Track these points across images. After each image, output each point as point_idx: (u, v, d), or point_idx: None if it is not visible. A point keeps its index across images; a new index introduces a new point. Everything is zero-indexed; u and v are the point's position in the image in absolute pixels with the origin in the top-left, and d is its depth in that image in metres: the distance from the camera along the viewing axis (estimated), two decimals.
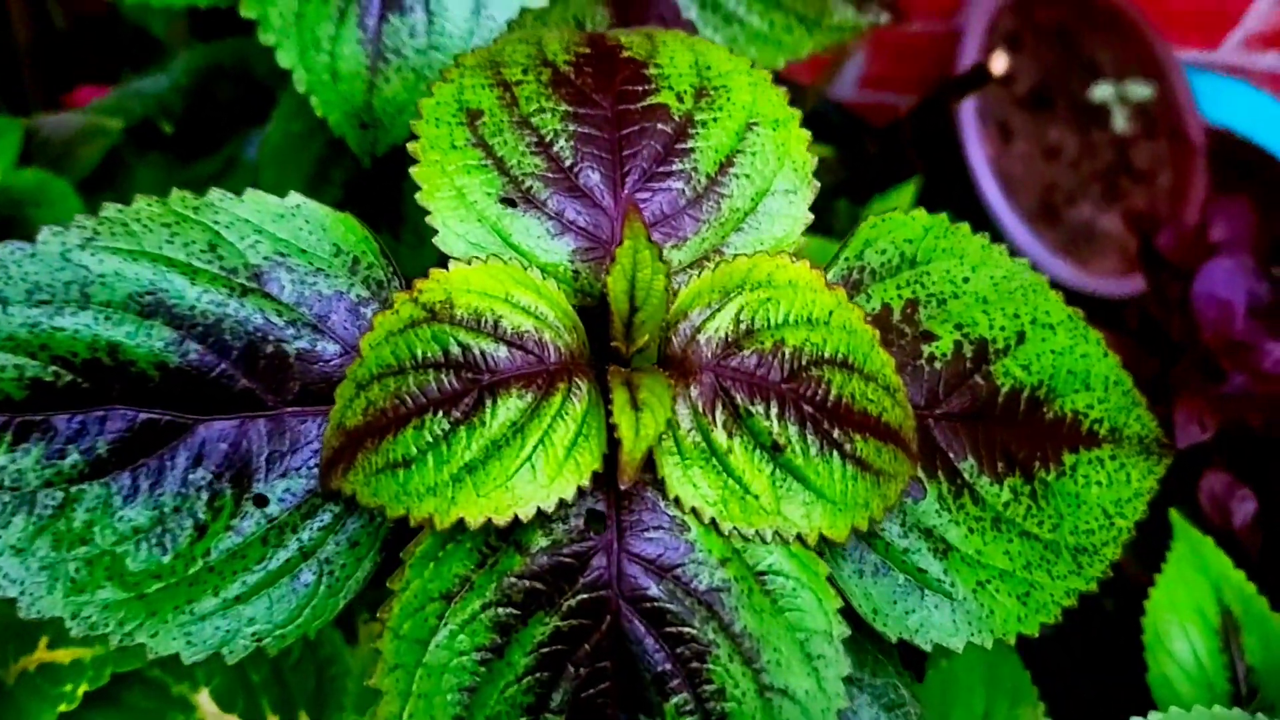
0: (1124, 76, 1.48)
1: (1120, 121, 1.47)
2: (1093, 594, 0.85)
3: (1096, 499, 0.47)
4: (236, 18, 0.51)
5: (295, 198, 0.40)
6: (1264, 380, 0.82)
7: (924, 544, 0.43)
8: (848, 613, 0.46)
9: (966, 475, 0.44)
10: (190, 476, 0.38)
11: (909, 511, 0.43)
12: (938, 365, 0.45)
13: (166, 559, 0.38)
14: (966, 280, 0.46)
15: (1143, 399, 0.50)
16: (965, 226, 0.47)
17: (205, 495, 0.38)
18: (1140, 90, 1.47)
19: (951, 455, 0.44)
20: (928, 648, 0.42)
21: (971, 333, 0.45)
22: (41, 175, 0.58)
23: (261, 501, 0.39)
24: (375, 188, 0.56)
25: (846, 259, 0.44)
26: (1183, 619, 0.65)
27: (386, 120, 0.48)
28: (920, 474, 0.43)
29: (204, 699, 0.46)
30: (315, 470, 0.39)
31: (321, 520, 0.39)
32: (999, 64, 0.77)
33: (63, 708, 0.41)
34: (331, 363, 0.39)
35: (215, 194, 0.39)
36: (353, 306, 0.40)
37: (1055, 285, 0.50)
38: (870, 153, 1.14)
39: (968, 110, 1.36)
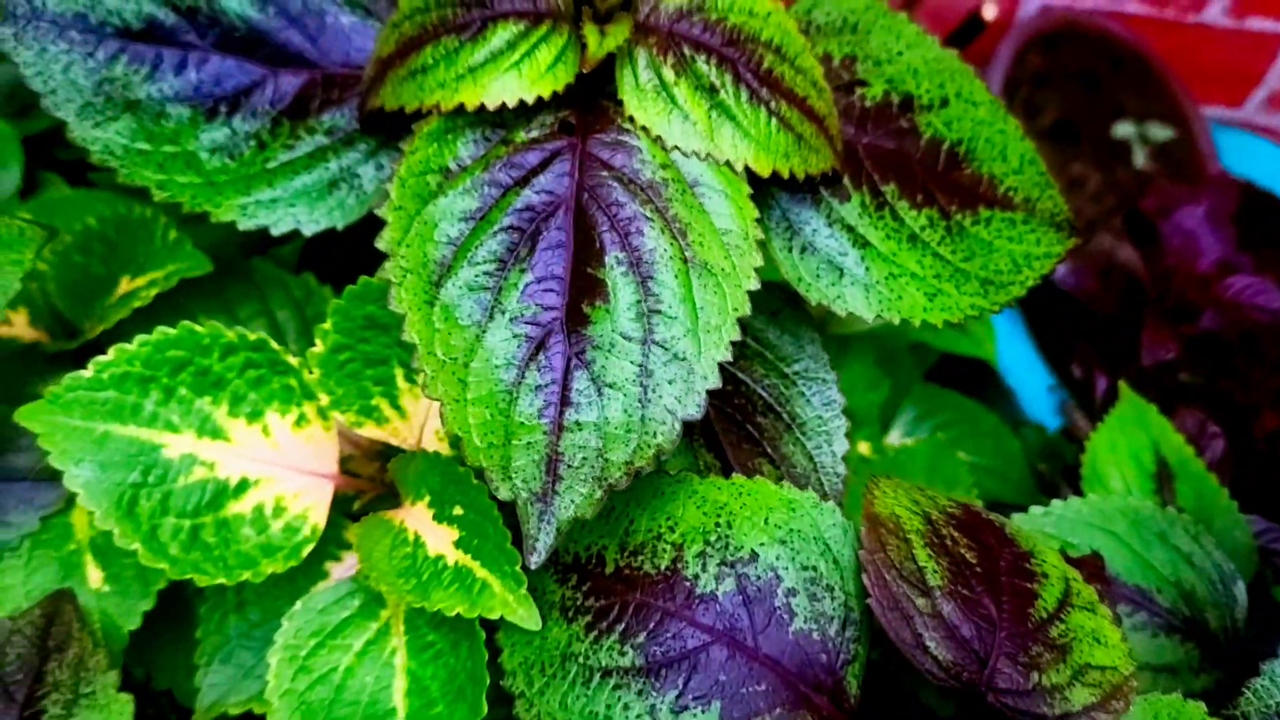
0: (1146, 119, 1.57)
1: (1140, 159, 1.56)
2: (1051, 484, 0.91)
3: (1007, 249, 0.55)
4: None
5: None
6: (1228, 310, 0.89)
7: (846, 236, 0.52)
8: (787, 312, 0.55)
9: (888, 196, 0.53)
10: (259, 109, 0.49)
11: (834, 209, 0.52)
12: (868, 105, 0.54)
13: (233, 163, 0.48)
14: (901, 54, 0.56)
15: (1056, 184, 0.59)
16: (904, 15, 0.57)
17: (269, 124, 0.49)
18: (1161, 132, 1.56)
19: (876, 177, 0.53)
20: (843, 313, 0.51)
21: (900, 87, 0.55)
22: None
23: (312, 131, 0.49)
24: None
25: (795, 12, 0.54)
26: (1120, 463, 0.72)
27: None
28: (847, 184, 0.53)
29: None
30: (355, 114, 0.50)
31: (358, 149, 0.49)
32: (989, 10, 0.87)
33: (137, 304, 0.51)
34: (375, 36, 0.50)
35: None
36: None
37: None
38: None
39: None
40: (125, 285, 0.54)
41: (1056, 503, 0.64)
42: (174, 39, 0.49)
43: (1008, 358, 1.15)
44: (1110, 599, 0.55)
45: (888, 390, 0.92)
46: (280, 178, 0.48)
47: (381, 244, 0.43)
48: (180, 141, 0.48)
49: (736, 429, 0.53)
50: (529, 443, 0.42)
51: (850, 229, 0.52)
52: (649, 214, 0.45)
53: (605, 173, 0.45)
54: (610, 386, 0.43)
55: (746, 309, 0.44)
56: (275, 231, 0.47)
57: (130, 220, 0.55)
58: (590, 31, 0.45)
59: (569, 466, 0.42)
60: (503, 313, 0.43)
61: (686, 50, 0.46)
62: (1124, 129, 1.55)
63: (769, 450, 0.53)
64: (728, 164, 0.46)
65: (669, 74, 0.46)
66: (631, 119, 0.46)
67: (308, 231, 0.48)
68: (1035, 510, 0.64)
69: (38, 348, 0.54)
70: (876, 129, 0.54)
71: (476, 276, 0.44)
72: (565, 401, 0.43)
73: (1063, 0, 1.56)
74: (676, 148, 0.46)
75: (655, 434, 0.43)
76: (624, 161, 0.46)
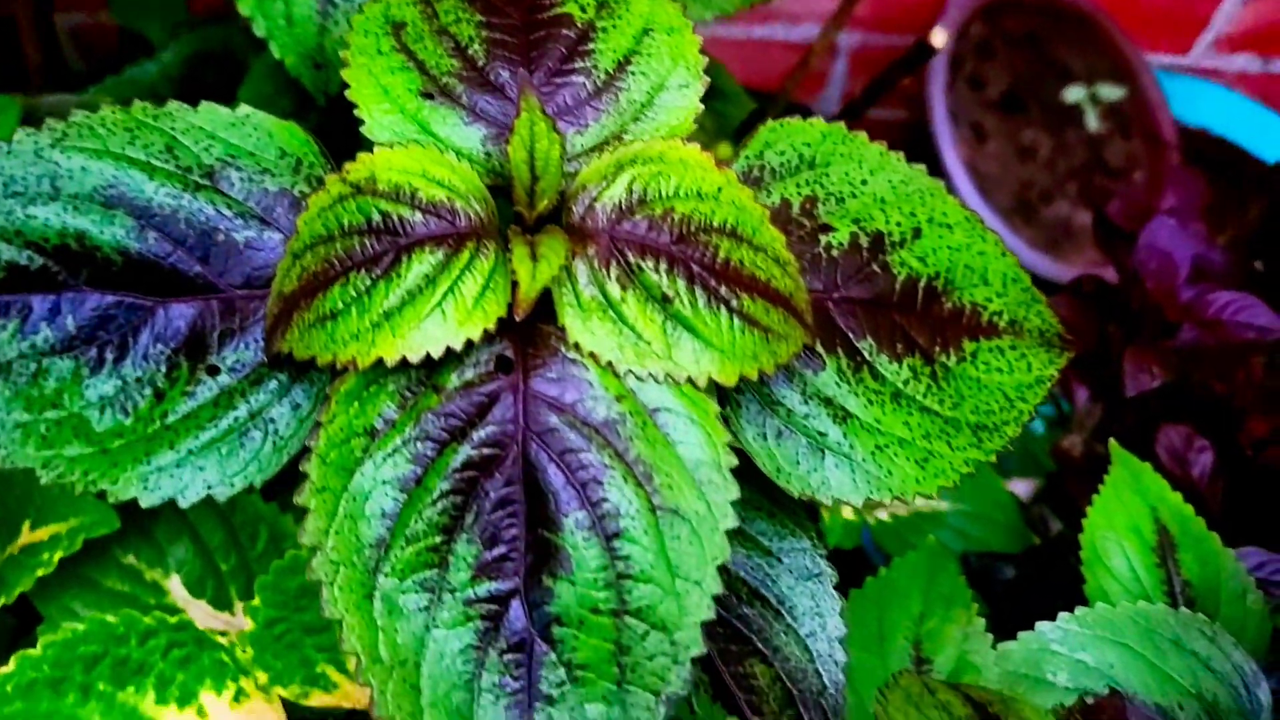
0: (1095, 80, 1.52)
1: (1093, 121, 1.51)
2: (1039, 521, 0.88)
3: (997, 383, 0.51)
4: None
5: (245, 108, 0.45)
6: (1210, 329, 0.85)
7: (824, 411, 0.47)
8: (758, 480, 0.50)
9: (866, 353, 0.48)
10: (150, 351, 0.43)
11: (809, 382, 0.47)
12: (835, 254, 0.49)
13: (128, 421, 0.42)
14: (865, 183, 0.50)
15: (1042, 297, 0.54)
16: (863, 135, 0.51)
17: (164, 367, 0.43)
18: (1111, 91, 1.51)
19: (850, 335, 0.48)
20: (828, 502, 0.46)
21: (868, 226, 0.49)
22: None
23: (214, 371, 0.43)
24: (337, 142, 0.61)
25: (747, 157, 0.49)
26: (1120, 536, 0.68)
27: (337, 61, 0.53)
28: (820, 349, 0.47)
29: (175, 584, 0.50)
30: (262, 344, 0.43)
31: (269, 388, 0.43)
32: (939, 38, 0.82)
33: (40, 572, 0.45)
34: (276, 250, 0.44)
35: (173, 104, 0.44)
36: (295, 201, 0.44)
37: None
38: None
39: (939, 111, 1.41)
40: (27, 533, 0.48)
41: (1064, 616, 0.60)
42: (43, 283, 0.42)
43: None
44: None
45: None
46: (183, 434, 0.42)
47: (306, 538, 0.38)
48: (64, 403, 0.42)
49: (723, 628, 0.49)
50: None
51: (828, 401, 0.47)
52: (608, 460, 0.39)
53: (554, 416, 0.40)
54: (583, 669, 0.38)
55: (726, 555, 0.39)
56: (184, 503, 0.41)
57: None
58: (520, 258, 0.39)
59: None
60: (452, 593, 0.38)
61: (632, 257, 0.41)
62: (1074, 93, 1.50)
63: (760, 645, 0.49)
64: (690, 381, 0.41)
65: (614, 289, 0.40)
66: (577, 345, 0.40)
67: (221, 497, 0.42)
68: (1042, 626, 0.60)
69: None
70: (846, 279, 0.49)
71: (418, 554, 0.38)
72: (534, 694, 0.38)
73: None
74: (631, 372, 0.40)
75: None
76: (574, 398, 0.40)
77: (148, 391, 0.43)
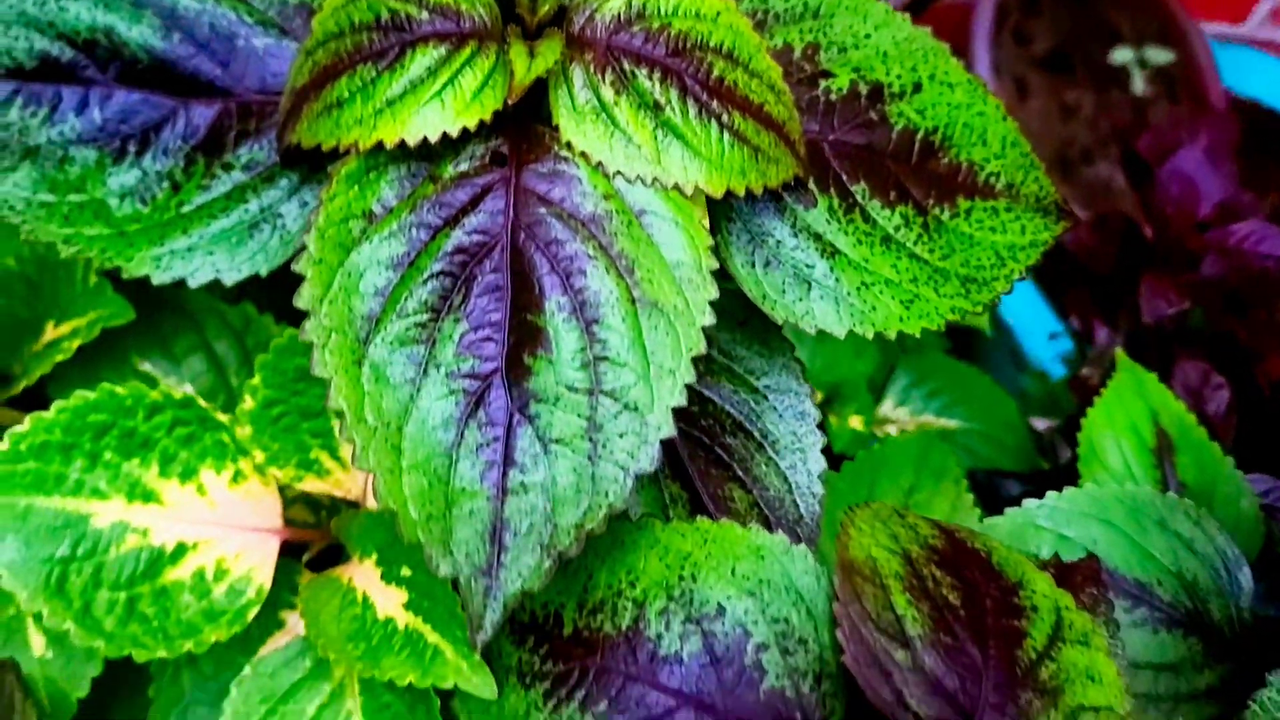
0: (1143, 42, 1.51)
1: (1139, 84, 1.50)
2: (1050, 447, 0.88)
3: (990, 242, 0.52)
4: None
5: None
6: (1230, 257, 0.85)
7: (813, 245, 0.48)
8: (753, 322, 0.52)
9: (858, 196, 0.49)
10: (170, 147, 0.45)
11: (799, 216, 0.48)
12: (833, 99, 0.50)
13: (146, 209, 0.45)
14: (868, 36, 0.52)
15: (1041, 164, 0.55)
16: None
17: (183, 162, 0.45)
18: (1160, 55, 1.50)
19: (844, 177, 0.50)
20: (811, 331, 0.48)
21: (868, 76, 0.51)
22: None
23: (229, 168, 0.45)
24: None
25: (751, 1, 0.50)
26: (1119, 435, 0.69)
27: None
28: (812, 187, 0.49)
29: (188, 391, 0.53)
30: (274, 145, 0.46)
31: (280, 186, 0.46)
32: None
33: (59, 358, 0.48)
34: (292, 59, 0.46)
35: None
36: (313, 13, 0.46)
37: None
38: None
39: (983, 64, 1.41)
40: (51, 331, 0.51)
41: (1051, 494, 0.61)
42: (73, 75, 0.45)
43: (1009, 302, 1.11)
44: (1107, 603, 0.52)
45: (874, 359, 0.89)
46: (196, 222, 0.45)
47: (301, 302, 0.40)
48: (87, 189, 0.44)
49: (705, 452, 0.50)
50: (471, 510, 0.39)
51: (818, 237, 0.48)
52: (591, 252, 0.41)
53: (542, 208, 0.42)
54: (557, 443, 0.40)
55: (701, 348, 0.41)
56: (193, 284, 0.44)
57: (51, 261, 0.51)
58: (517, 54, 0.41)
59: (515, 534, 0.39)
60: (438, 367, 0.40)
61: (627, 65, 0.42)
62: (1122, 54, 1.49)
63: (740, 473, 0.50)
64: (677, 187, 0.43)
65: (608, 93, 0.42)
66: (569, 145, 0.42)
67: (229, 281, 0.44)
68: (1029, 503, 0.61)
69: None
70: (843, 124, 0.50)
71: (408, 329, 0.40)
72: (509, 462, 0.40)
73: None
74: (619, 174, 0.42)
75: (606, 493, 0.40)
76: (562, 194, 0.42)
77: (165, 184, 0.45)
